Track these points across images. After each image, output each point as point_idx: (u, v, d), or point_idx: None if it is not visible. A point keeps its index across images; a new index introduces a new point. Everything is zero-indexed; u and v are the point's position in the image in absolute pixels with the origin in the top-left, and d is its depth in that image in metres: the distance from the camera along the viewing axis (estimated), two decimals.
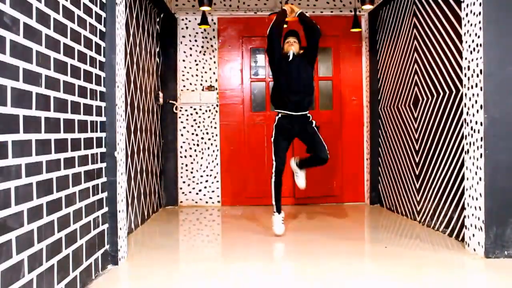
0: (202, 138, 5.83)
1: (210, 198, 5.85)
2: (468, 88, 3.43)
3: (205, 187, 5.85)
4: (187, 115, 5.82)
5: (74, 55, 2.61)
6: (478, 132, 3.31)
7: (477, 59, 3.32)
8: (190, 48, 5.85)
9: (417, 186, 4.63)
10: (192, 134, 5.82)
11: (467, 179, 3.47)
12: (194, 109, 5.83)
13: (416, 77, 4.64)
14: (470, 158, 3.43)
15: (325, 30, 5.90)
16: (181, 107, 5.82)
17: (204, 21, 5.40)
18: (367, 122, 5.89)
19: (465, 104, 3.48)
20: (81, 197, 2.69)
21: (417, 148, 4.64)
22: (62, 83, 2.45)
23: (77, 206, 2.64)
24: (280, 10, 4.31)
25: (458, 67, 3.80)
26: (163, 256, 3.51)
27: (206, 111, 5.83)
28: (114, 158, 3.13)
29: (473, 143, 3.38)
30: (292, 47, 4.25)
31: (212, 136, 5.84)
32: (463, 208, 3.66)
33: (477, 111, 3.32)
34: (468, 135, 3.44)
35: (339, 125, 5.90)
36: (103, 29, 3.09)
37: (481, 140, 3.28)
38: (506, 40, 3.28)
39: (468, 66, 3.43)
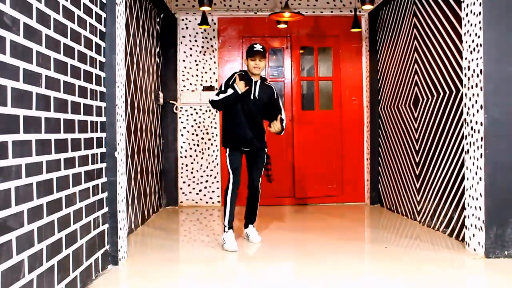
0: (202, 138, 5.83)
1: (210, 198, 5.85)
2: (468, 88, 3.43)
3: (205, 187, 5.85)
4: (187, 115, 5.82)
5: (74, 55, 2.61)
6: (478, 132, 3.31)
7: (477, 59, 3.32)
8: (190, 48, 5.85)
9: (417, 186, 4.63)
10: (192, 134, 5.82)
11: (467, 179, 3.47)
12: (194, 109, 5.83)
13: (416, 77, 4.64)
14: (470, 158, 3.43)
15: (325, 30, 5.92)
16: (181, 107, 5.82)
17: (204, 21, 5.40)
18: (367, 122, 5.89)
19: (465, 104, 3.48)
20: (81, 197, 2.69)
21: (417, 148, 4.63)
22: (62, 83, 2.45)
23: (77, 206, 2.63)
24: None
25: (458, 67, 3.80)
26: (163, 256, 3.51)
27: (206, 111, 5.83)
28: (114, 158, 3.12)
29: (473, 143, 3.38)
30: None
31: (212, 136, 5.84)
32: (463, 208, 3.66)
33: (477, 111, 3.32)
34: (468, 135, 3.44)
35: (339, 125, 5.89)
36: (103, 29, 3.09)
37: (481, 140, 3.28)
38: (506, 40, 3.28)
39: (468, 66, 3.43)
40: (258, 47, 3.86)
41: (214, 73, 5.85)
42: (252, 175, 4.08)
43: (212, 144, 5.83)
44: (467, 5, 3.42)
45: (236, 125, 3.93)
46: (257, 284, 2.92)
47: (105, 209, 3.09)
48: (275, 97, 4.01)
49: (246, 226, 4.15)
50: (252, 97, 3.87)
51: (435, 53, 4.20)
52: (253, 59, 3.83)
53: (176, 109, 5.78)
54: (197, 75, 5.85)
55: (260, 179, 4.10)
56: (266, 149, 4.08)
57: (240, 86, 3.76)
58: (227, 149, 3.99)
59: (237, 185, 4.06)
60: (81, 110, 2.72)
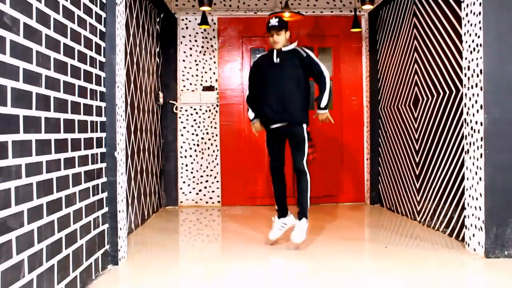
0: (202, 138, 5.83)
1: (210, 198, 5.85)
2: (468, 88, 3.43)
3: (205, 187, 5.85)
4: (187, 115, 5.82)
5: (74, 55, 2.61)
6: (478, 132, 3.31)
7: (477, 59, 3.32)
8: (190, 48, 5.85)
9: (417, 186, 4.63)
10: (192, 134, 5.82)
11: (467, 179, 3.47)
12: (194, 109, 5.83)
13: (416, 77, 4.64)
14: (470, 158, 3.43)
15: (325, 30, 5.92)
16: (181, 107, 5.82)
17: (204, 21, 5.40)
18: (367, 122, 5.89)
19: (465, 104, 3.48)
20: (81, 197, 2.69)
21: (417, 148, 4.64)
22: (62, 83, 2.45)
23: (77, 206, 2.63)
24: None
25: (458, 67, 3.80)
26: (163, 256, 3.51)
27: (206, 111, 5.83)
28: (114, 158, 3.13)
29: (473, 143, 3.38)
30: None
31: (212, 136, 5.84)
32: (463, 208, 3.66)
33: (477, 111, 3.32)
34: (468, 135, 3.44)
35: (339, 125, 5.89)
36: (103, 29, 3.09)
37: (481, 140, 3.28)
38: (506, 40, 3.28)
39: (468, 66, 3.43)
40: (272, 21, 3.65)
41: (214, 73, 5.85)
42: (293, 156, 3.69)
43: (212, 144, 5.83)
44: (467, 5, 3.42)
45: (263, 101, 3.73)
46: (257, 283, 2.92)
47: (105, 209, 3.09)
48: (305, 57, 3.67)
49: (299, 217, 3.67)
50: (273, 68, 3.67)
51: (435, 53, 4.20)
52: (270, 35, 3.68)
53: (176, 109, 5.78)
54: (197, 75, 5.85)
55: (305, 161, 3.64)
56: (304, 125, 3.66)
57: (255, 129, 3.94)
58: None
59: (275, 170, 3.78)
60: (81, 110, 2.72)
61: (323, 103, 3.67)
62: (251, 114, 3.93)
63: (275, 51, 3.74)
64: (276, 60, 3.71)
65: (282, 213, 3.87)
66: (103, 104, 3.07)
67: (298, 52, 3.73)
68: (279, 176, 3.83)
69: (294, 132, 3.68)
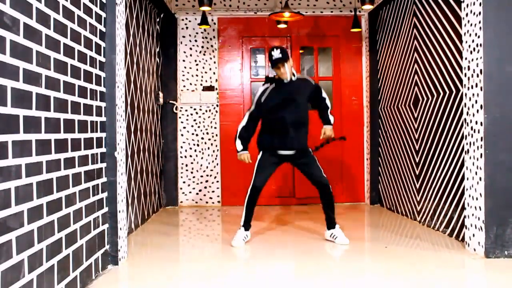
0: (202, 138, 5.83)
1: (210, 198, 5.85)
2: (468, 88, 3.43)
3: (205, 187, 5.85)
4: (187, 115, 5.82)
5: (74, 55, 2.61)
6: (478, 132, 3.31)
7: (477, 59, 3.32)
8: (190, 48, 5.85)
9: (417, 186, 4.63)
10: (192, 134, 5.82)
11: (467, 179, 3.47)
12: (194, 109, 5.83)
13: (416, 77, 4.64)
14: (470, 158, 3.43)
15: (325, 30, 5.92)
16: (181, 107, 5.82)
17: (204, 21, 5.40)
18: (367, 122, 5.89)
19: (465, 104, 3.48)
20: (81, 197, 2.69)
21: (417, 148, 4.64)
22: (62, 83, 2.45)
23: (77, 206, 2.63)
24: None
25: (458, 67, 3.80)
26: (163, 256, 3.51)
27: (206, 111, 5.83)
28: (114, 158, 3.13)
29: (473, 143, 3.38)
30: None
31: (212, 136, 5.84)
32: (463, 208, 3.66)
33: (477, 111, 3.32)
34: (468, 135, 3.44)
35: (339, 125, 5.89)
36: (103, 29, 3.09)
37: (481, 140, 3.28)
38: (506, 40, 3.28)
39: (468, 66, 3.43)
40: (275, 54, 3.70)
41: (214, 73, 5.85)
42: (313, 175, 3.85)
43: (212, 144, 5.83)
44: (467, 5, 3.42)
45: (275, 127, 3.83)
46: (257, 284, 2.92)
47: (105, 209, 3.09)
48: (315, 85, 3.95)
49: (329, 227, 3.92)
50: (288, 97, 3.78)
51: (435, 53, 4.20)
52: (277, 67, 3.75)
53: (176, 109, 5.78)
54: (197, 75, 5.85)
55: (325, 175, 3.84)
56: (310, 149, 3.93)
57: (245, 158, 3.92)
58: (260, 152, 3.93)
59: (257, 190, 3.90)
60: (81, 110, 2.72)
61: (332, 119, 4.04)
62: (239, 146, 3.97)
63: (285, 81, 3.82)
64: (289, 89, 3.83)
65: (248, 226, 3.95)
66: (103, 104, 3.07)
67: (308, 81, 3.99)
68: (257, 196, 3.96)
69: (306, 155, 3.89)
